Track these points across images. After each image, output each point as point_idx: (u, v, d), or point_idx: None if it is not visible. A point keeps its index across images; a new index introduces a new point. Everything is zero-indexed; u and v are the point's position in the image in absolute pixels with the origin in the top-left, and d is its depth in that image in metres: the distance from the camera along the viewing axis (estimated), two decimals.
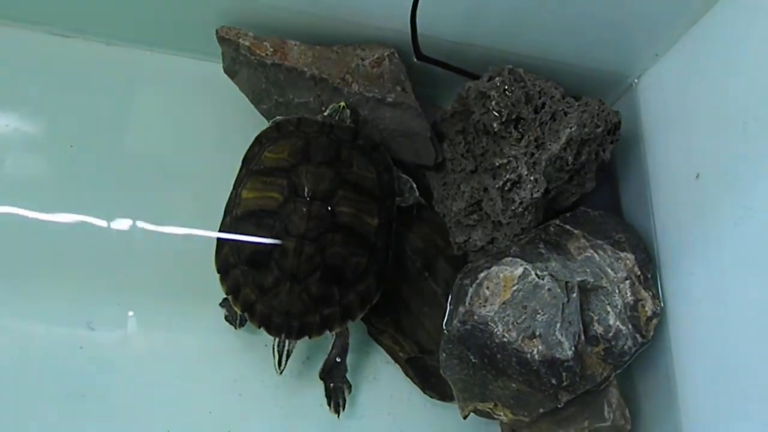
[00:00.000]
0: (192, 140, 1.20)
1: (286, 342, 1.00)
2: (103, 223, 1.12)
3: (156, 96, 1.23)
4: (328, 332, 1.00)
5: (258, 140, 1.06)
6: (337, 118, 1.08)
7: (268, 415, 1.07)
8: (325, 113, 1.09)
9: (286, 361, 1.00)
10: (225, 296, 1.01)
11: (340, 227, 0.99)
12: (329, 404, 1.06)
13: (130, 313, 1.08)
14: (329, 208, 0.99)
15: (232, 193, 1.03)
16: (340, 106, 1.08)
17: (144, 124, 1.21)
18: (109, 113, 1.20)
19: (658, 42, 1.10)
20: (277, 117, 1.10)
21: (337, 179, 1.00)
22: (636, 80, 1.19)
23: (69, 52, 1.21)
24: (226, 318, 1.08)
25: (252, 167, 1.03)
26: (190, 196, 1.15)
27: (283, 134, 1.05)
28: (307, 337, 0.98)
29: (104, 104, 1.20)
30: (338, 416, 1.06)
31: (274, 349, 1.00)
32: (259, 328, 0.98)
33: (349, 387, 1.07)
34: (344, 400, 1.07)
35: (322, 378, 1.05)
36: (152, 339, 1.08)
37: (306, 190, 0.99)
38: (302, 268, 0.96)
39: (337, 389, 1.06)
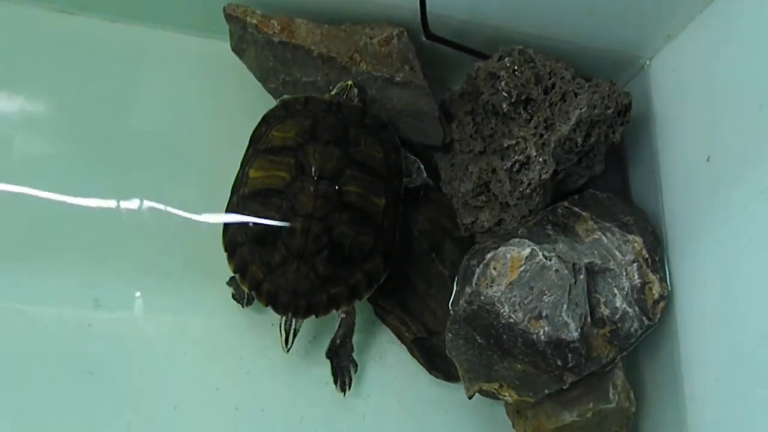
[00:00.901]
0: (199, 119, 1.19)
1: (293, 321, 1.00)
2: (110, 203, 1.12)
3: (162, 75, 1.22)
4: (334, 311, 1.00)
5: (265, 119, 1.05)
6: (344, 96, 1.07)
7: (275, 393, 1.07)
8: (333, 92, 1.08)
9: (293, 339, 1.01)
10: (232, 275, 1.02)
11: (348, 207, 0.99)
12: (335, 383, 1.06)
13: (138, 292, 1.08)
14: (336, 188, 0.98)
15: (239, 172, 1.03)
16: (347, 84, 1.07)
17: (151, 102, 1.20)
18: (116, 92, 1.19)
19: (671, 23, 1.09)
20: (284, 96, 1.10)
21: (344, 158, 1.00)
22: (648, 62, 1.17)
23: (74, 30, 1.20)
24: (234, 297, 1.08)
25: (259, 146, 1.03)
26: (197, 174, 1.15)
27: (290, 113, 1.05)
28: (313, 316, 0.99)
29: (110, 83, 1.19)
30: (344, 395, 1.07)
31: (281, 327, 1.00)
32: (266, 306, 0.98)
33: (355, 366, 1.08)
34: (350, 379, 1.07)
35: (328, 357, 1.06)
36: (159, 317, 1.09)
37: (313, 169, 0.99)
38: (309, 247, 0.96)
39: (343, 368, 1.07)
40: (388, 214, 1.02)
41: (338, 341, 1.05)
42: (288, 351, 1.01)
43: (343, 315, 1.04)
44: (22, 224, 1.09)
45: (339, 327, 1.05)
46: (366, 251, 1.00)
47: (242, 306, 1.08)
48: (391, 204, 1.03)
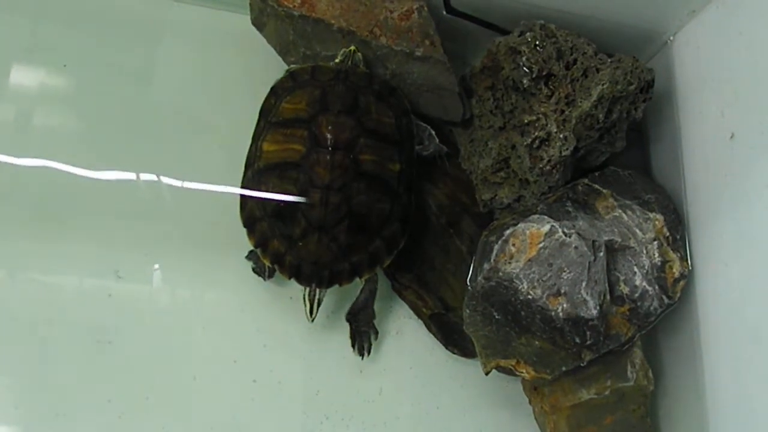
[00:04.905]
0: (219, 93, 1.19)
1: (317, 291, 1.01)
2: (130, 176, 1.12)
3: (182, 48, 1.21)
4: (357, 279, 1.01)
5: (273, 91, 1.04)
6: (349, 63, 1.06)
7: (292, 366, 1.08)
8: (337, 60, 1.07)
9: (317, 309, 1.02)
10: (251, 249, 1.02)
11: (364, 175, 0.99)
12: (353, 346, 1.07)
13: (157, 264, 1.09)
14: (352, 157, 0.98)
15: (251, 146, 1.02)
16: (350, 50, 1.05)
17: (171, 76, 1.20)
18: (136, 66, 1.19)
19: None
20: (291, 66, 1.09)
21: (357, 127, 1.00)
22: (671, 37, 1.16)
23: (94, 4, 1.20)
24: (254, 270, 1.08)
25: (270, 119, 1.02)
26: (217, 149, 1.15)
27: (298, 84, 1.04)
28: (337, 285, 1.00)
29: (130, 57, 1.19)
30: (362, 358, 1.08)
31: (305, 298, 1.01)
32: (290, 279, 0.99)
33: (376, 333, 1.08)
34: (369, 345, 1.08)
35: (348, 320, 1.07)
36: (179, 289, 1.10)
37: (328, 140, 0.98)
38: (329, 218, 0.97)
39: (362, 333, 1.08)
40: (403, 179, 1.02)
41: (359, 305, 1.06)
42: (313, 321, 1.02)
43: (366, 281, 1.04)
44: (43, 198, 1.10)
45: (361, 291, 1.05)
46: (384, 218, 1.00)
47: (264, 279, 1.08)
48: (405, 168, 1.03)
